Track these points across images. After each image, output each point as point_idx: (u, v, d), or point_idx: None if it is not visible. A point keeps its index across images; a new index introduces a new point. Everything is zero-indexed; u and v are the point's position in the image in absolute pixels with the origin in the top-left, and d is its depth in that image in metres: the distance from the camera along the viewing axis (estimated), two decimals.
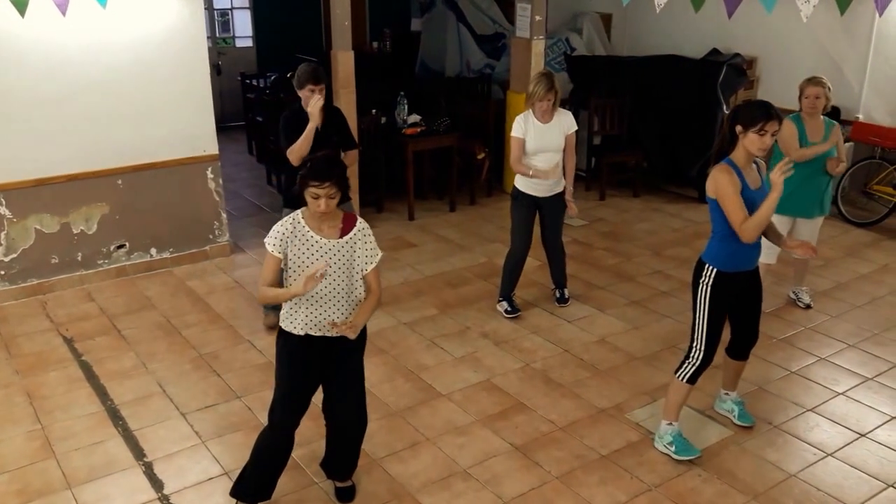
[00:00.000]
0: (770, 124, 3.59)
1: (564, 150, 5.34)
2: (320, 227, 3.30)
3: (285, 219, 3.33)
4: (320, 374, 3.48)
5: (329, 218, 3.29)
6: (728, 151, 3.73)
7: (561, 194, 5.43)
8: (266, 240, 3.32)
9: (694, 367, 3.91)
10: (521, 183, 5.36)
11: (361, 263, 3.36)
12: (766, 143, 3.62)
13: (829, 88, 5.15)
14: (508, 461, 4.00)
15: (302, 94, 4.89)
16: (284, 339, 3.44)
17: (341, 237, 3.31)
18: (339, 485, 3.77)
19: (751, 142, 3.63)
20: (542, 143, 5.23)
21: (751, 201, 3.65)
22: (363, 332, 3.49)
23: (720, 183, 3.66)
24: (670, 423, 4.04)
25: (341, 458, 3.72)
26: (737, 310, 3.95)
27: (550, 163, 5.28)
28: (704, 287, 3.83)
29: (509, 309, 5.58)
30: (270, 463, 3.58)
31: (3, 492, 3.77)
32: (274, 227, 3.32)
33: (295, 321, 3.36)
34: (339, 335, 3.35)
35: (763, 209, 3.59)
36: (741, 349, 4.15)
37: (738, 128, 3.66)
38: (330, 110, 5.03)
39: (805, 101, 5.17)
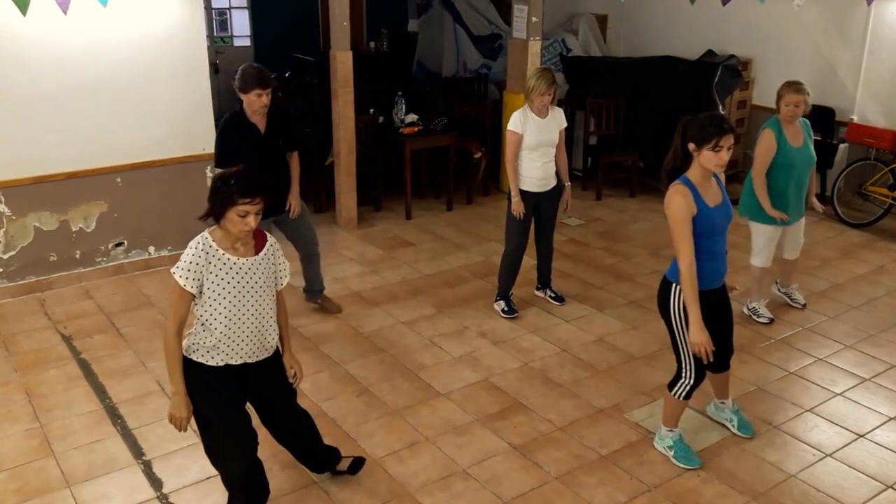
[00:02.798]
0: (725, 139, 3.44)
1: (556, 146, 5.38)
2: (234, 246, 3.12)
3: (193, 247, 3.08)
4: (244, 398, 3.34)
5: (244, 236, 3.12)
6: (683, 168, 3.61)
7: (557, 188, 5.46)
8: (176, 274, 3.05)
9: (689, 387, 3.85)
10: (519, 181, 5.37)
11: (278, 277, 3.29)
12: (722, 159, 3.47)
13: (809, 94, 5.05)
14: (508, 461, 4.01)
15: (246, 98, 4.68)
16: (199, 373, 3.17)
17: (257, 254, 3.18)
18: (342, 468, 3.80)
19: (706, 159, 3.49)
20: (541, 137, 5.26)
21: (710, 219, 3.56)
22: (277, 351, 3.42)
23: (672, 207, 3.53)
24: (670, 430, 4.04)
25: (316, 456, 3.73)
26: (709, 326, 3.68)
27: (546, 158, 5.33)
28: (675, 309, 3.70)
29: (506, 309, 5.59)
30: (249, 487, 3.41)
31: (1, 490, 3.76)
32: (183, 258, 3.07)
33: (216, 353, 3.16)
34: (268, 355, 3.29)
35: (692, 302, 3.53)
36: (719, 363, 4.01)
37: (691, 145, 3.52)
38: (275, 111, 4.89)
39: (785, 109, 5.04)
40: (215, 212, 3.05)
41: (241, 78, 4.70)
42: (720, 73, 7.94)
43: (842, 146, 7.68)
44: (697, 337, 3.59)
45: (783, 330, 5.42)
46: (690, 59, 8.44)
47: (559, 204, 5.56)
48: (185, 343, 3.20)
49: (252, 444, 3.31)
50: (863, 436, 4.23)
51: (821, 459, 4.03)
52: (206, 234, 3.13)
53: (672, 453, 3.99)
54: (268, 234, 3.29)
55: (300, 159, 5.24)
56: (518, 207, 5.33)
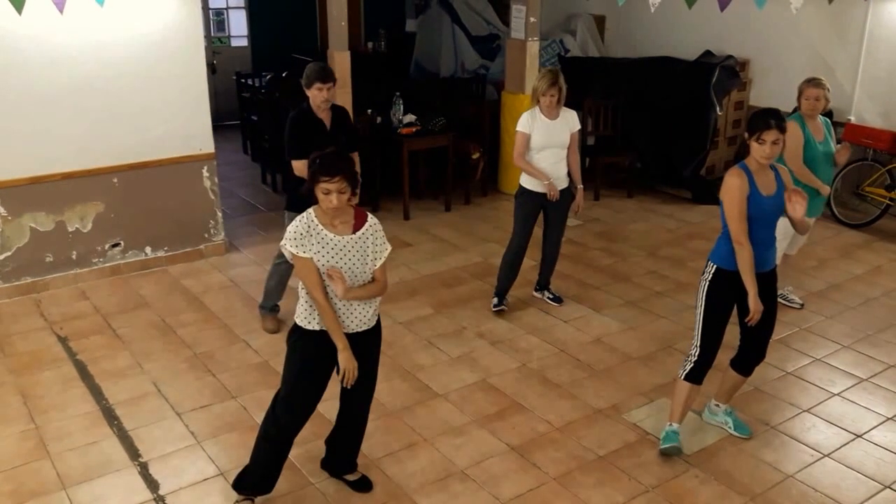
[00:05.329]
0: (767, 133, 3.62)
1: (568, 148, 5.37)
2: (333, 223, 3.30)
3: (298, 218, 3.31)
4: (332, 371, 3.49)
5: (341, 214, 3.30)
6: (745, 155, 3.80)
7: (566, 191, 5.43)
8: (285, 245, 3.29)
9: (692, 365, 3.92)
10: (526, 181, 5.37)
11: (373, 258, 3.37)
12: (765, 152, 3.65)
13: (829, 89, 5.18)
14: (506, 462, 4.00)
15: (310, 93, 4.83)
16: (299, 336, 3.44)
17: (354, 233, 3.33)
18: (351, 478, 3.81)
19: (753, 149, 3.70)
20: (548, 139, 5.25)
21: (760, 206, 3.71)
22: (378, 327, 3.57)
23: (726, 186, 3.74)
24: (670, 424, 4.04)
25: (349, 451, 3.80)
26: (742, 314, 3.84)
27: (556, 159, 5.31)
28: (704, 283, 3.87)
29: (496, 302, 5.60)
30: (272, 458, 3.59)
31: None
32: (289, 230, 3.30)
33: (313, 319, 3.38)
34: (356, 331, 3.41)
35: (746, 273, 3.68)
36: (744, 363, 4.08)
37: (746, 135, 3.74)
38: (337, 110, 5.01)
39: (805, 103, 5.19)
40: (309, 189, 3.22)
41: (305, 74, 4.84)
42: (718, 74, 7.95)
43: (839, 147, 7.67)
44: (756, 305, 3.71)
45: (781, 330, 5.41)
46: (688, 60, 8.45)
47: (570, 207, 5.53)
48: (297, 308, 3.45)
49: (306, 404, 3.49)
50: (860, 436, 4.23)
51: (818, 460, 4.03)
52: (311, 210, 3.32)
53: (661, 436, 4.05)
54: (369, 215, 3.40)
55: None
56: (553, 191, 5.26)
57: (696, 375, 3.94)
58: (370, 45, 11.75)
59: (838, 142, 7.59)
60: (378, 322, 3.56)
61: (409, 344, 5.20)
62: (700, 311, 3.89)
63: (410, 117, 7.77)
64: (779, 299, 5.73)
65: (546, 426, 4.30)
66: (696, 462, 4.00)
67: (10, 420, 4.32)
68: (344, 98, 6.94)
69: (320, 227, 3.28)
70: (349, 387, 3.43)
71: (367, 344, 3.50)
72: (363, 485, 3.79)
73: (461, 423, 4.33)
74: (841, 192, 7.74)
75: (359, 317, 3.43)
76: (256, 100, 9.40)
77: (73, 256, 6.01)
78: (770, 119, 3.62)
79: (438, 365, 4.94)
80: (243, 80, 10.06)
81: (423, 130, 7.67)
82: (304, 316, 3.42)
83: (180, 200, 6.30)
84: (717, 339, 3.90)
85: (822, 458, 4.05)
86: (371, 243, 3.36)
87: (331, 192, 3.16)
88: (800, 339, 5.32)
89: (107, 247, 6.15)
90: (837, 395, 4.64)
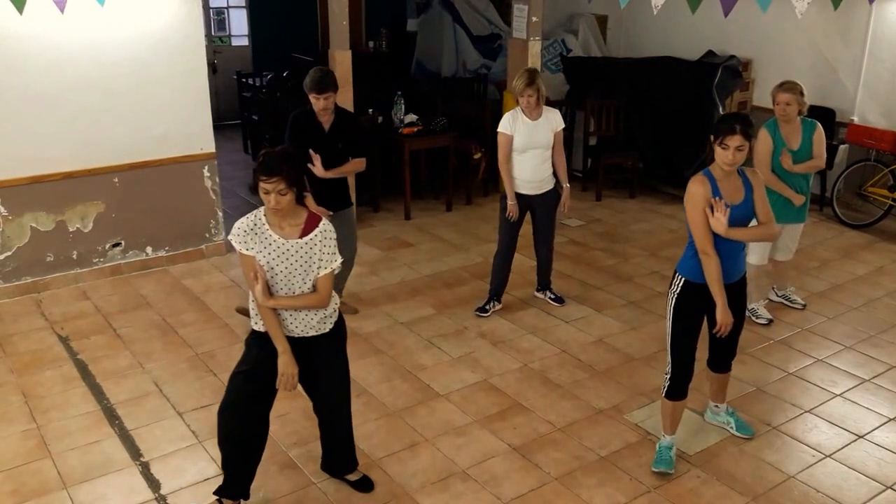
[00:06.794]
0: (731, 138, 3.46)
1: (553, 148, 5.33)
2: (281, 224, 3.22)
3: (247, 215, 3.26)
4: (303, 374, 3.43)
5: (290, 216, 3.21)
6: (712, 161, 3.66)
7: (552, 191, 5.43)
8: (231, 239, 3.26)
9: (668, 383, 3.84)
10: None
11: (318, 266, 3.27)
12: (728, 158, 3.50)
13: (802, 93, 5.03)
14: (507, 462, 3.99)
15: (310, 98, 4.87)
16: (250, 335, 3.47)
17: (301, 237, 3.23)
18: (352, 478, 3.79)
19: (717, 155, 3.56)
20: (531, 140, 5.22)
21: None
22: (341, 327, 3.50)
23: (688, 194, 3.61)
24: (664, 436, 4.00)
25: (340, 454, 3.77)
26: (711, 322, 3.74)
27: (539, 160, 5.28)
28: (672, 296, 3.76)
29: (480, 307, 5.60)
30: (235, 459, 3.48)
31: None
32: (236, 225, 3.26)
33: (258, 319, 3.36)
34: (301, 336, 3.35)
35: (713, 283, 3.58)
36: (718, 362, 4.05)
37: (711, 137, 3.60)
38: (341, 116, 5.00)
39: (777, 108, 5.10)
40: (254, 184, 3.17)
41: (305, 80, 4.84)
42: (720, 74, 7.93)
43: (842, 147, 7.66)
44: (724, 318, 3.64)
45: (782, 331, 5.41)
46: (691, 60, 8.42)
47: (557, 207, 5.52)
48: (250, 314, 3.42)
49: (248, 413, 3.39)
50: (862, 437, 4.22)
51: (820, 460, 4.02)
52: (262, 208, 3.26)
53: (655, 452, 3.98)
54: (322, 221, 3.30)
55: (368, 165, 5.21)
56: (512, 211, 5.31)
57: (676, 392, 3.84)
58: (371, 44, 11.74)
59: (839, 142, 7.64)
60: (336, 327, 3.46)
61: (411, 344, 5.19)
62: (669, 325, 3.78)
63: (412, 117, 7.77)
64: (782, 300, 5.77)
65: (547, 426, 4.30)
66: (697, 462, 4.00)
67: (11, 420, 4.32)
68: (345, 97, 6.92)
69: (266, 226, 3.22)
70: (287, 390, 3.35)
71: (319, 350, 3.42)
72: (364, 485, 3.78)
73: (463, 423, 4.32)
74: (843, 193, 7.73)
75: (302, 322, 3.34)
76: (257, 99, 9.41)
77: (74, 256, 6.00)
78: (735, 124, 3.48)
79: (440, 365, 4.93)
80: (244, 80, 10.07)
81: (424, 130, 7.67)
82: (252, 316, 3.39)
83: (181, 200, 6.30)
84: (690, 352, 3.80)
85: (824, 458, 4.04)
86: (318, 250, 3.25)
87: (269, 193, 3.09)
88: (802, 339, 5.31)
89: (107, 246, 6.15)
90: (839, 395, 4.63)
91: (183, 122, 6.19)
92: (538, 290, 5.88)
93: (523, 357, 5.04)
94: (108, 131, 5.89)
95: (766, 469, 3.95)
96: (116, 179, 6.03)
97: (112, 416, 4.36)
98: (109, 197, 6.04)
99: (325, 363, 3.49)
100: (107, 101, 5.83)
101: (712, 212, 3.54)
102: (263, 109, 9.06)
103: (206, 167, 6.36)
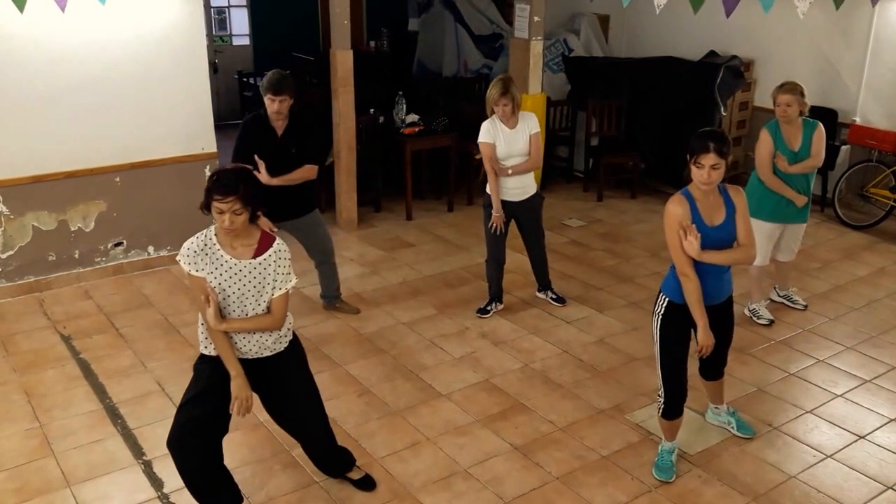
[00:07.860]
0: (705, 157, 3.34)
1: (530, 151, 5.28)
2: (233, 244, 3.12)
3: (195, 235, 3.14)
4: (263, 397, 3.38)
5: (242, 236, 3.11)
6: (690, 180, 3.54)
7: (536, 195, 5.43)
8: (180, 260, 3.12)
9: (663, 405, 3.80)
10: (491, 190, 5.31)
11: (272, 287, 3.16)
12: (703, 177, 3.38)
13: (803, 94, 5.01)
14: (509, 461, 4.00)
15: (265, 101, 4.80)
16: (199, 360, 3.32)
17: (255, 258, 3.13)
18: (354, 477, 3.78)
19: (693, 173, 3.44)
20: (510, 148, 5.21)
21: (703, 237, 3.46)
22: (297, 344, 3.42)
23: (665, 214, 3.52)
24: (664, 441, 3.99)
25: (329, 461, 3.75)
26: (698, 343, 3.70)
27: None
28: (657, 318, 3.71)
29: (481, 307, 5.61)
30: (205, 484, 3.32)
31: (1, 490, 3.75)
32: (185, 245, 3.14)
33: (209, 343, 3.24)
34: (255, 357, 3.25)
35: (693, 305, 3.52)
36: (709, 372, 4.03)
37: (687, 156, 3.46)
38: (295, 122, 4.91)
39: (777, 109, 5.10)
40: (206, 203, 3.06)
41: (262, 81, 4.79)
42: (722, 74, 7.92)
43: (843, 148, 7.66)
44: (705, 339, 3.60)
45: (784, 331, 5.41)
46: (692, 60, 8.43)
47: (541, 211, 5.51)
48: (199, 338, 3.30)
49: (190, 438, 3.20)
50: (863, 437, 4.23)
51: (821, 461, 4.03)
52: (212, 227, 3.15)
53: (655, 460, 3.95)
54: (276, 240, 3.20)
55: (318, 174, 5.10)
56: (497, 222, 5.30)
57: (672, 412, 3.81)
58: (372, 44, 11.75)
59: (841, 143, 7.64)
60: (291, 345, 3.37)
61: (412, 344, 5.20)
62: (657, 347, 3.73)
63: (413, 117, 7.78)
64: (783, 300, 5.77)
65: (549, 426, 4.30)
66: (698, 462, 4.00)
67: (14, 418, 4.33)
68: (346, 97, 6.95)
69: (217, 246, 3.10)
70: (241, 415, 3.19)
71: (277, 370, 3.32)
72: (366, 483, 3.79)
73: (464, 422, 4.33)
74: (845, 194, 7.73)
75: (256, 343, 3.24)
76: (258, 99, 9.40)
77: (76, 255, 6.01)
78: (709, 142, 3.33)
79: (441, 365, 4.94)
80: (245, 80, 10.08)
81: (425, 130, 7.67)
82: (202, 339, 3.27)
83: (183, 200, 6.29)
84: (681, 372, 3.75)
85: (825, 458, 4.04)
86: (273, 271, 3.14)
87: (224, 213, 2.97)
88: (803, 340, 5.31)
89: (109, 246, 6.16)
90: (840, 396, 4.63)
91: (184, 122, 6.19)
92: (539, 291, 5.89)
93: (525, 357, 5.05)
94: (109, 131, 5.90)
95: (767, 469, 3.96)
96: (118, 179, 6.03)
97: (114, 415, 4.37)
98: (111, 196, 6.04)
99: (287, 383, 3.38)
100: (108, 100, 5.84)
101: (685, 234, 3.46)
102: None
103: (208, 167, 6.36)
